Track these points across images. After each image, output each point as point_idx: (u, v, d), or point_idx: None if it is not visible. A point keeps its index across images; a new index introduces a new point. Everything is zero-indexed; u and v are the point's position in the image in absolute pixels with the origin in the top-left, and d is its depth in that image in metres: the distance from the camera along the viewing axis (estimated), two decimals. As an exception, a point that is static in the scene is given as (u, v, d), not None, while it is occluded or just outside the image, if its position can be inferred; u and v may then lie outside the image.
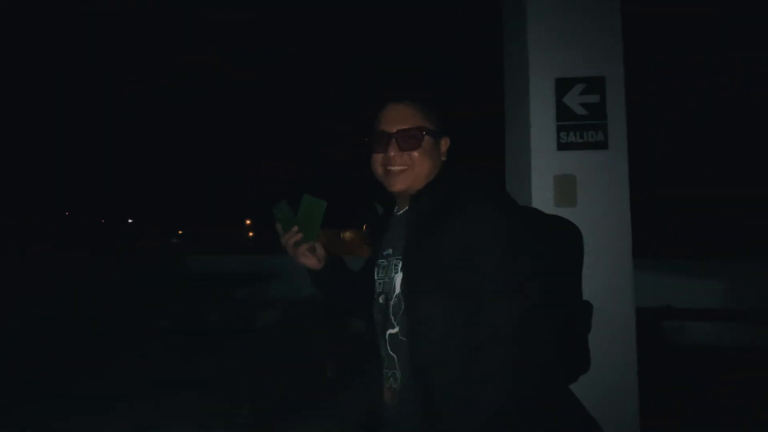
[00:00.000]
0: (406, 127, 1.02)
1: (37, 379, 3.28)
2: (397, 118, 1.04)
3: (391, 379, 1.02)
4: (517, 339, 0.83)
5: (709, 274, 5.89)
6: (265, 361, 3.37)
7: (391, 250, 1.07)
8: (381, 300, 1.05)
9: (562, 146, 1.81)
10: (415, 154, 1.02)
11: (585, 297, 1.77)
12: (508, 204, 0.98)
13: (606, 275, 1.76)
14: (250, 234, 42.39)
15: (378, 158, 1.06)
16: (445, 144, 1.10)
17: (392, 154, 1.02)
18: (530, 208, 1.25)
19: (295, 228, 1.12)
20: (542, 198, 1.81)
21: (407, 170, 1.03)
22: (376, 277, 1.09)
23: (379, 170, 1.06)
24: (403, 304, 0.97)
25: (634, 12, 2.10)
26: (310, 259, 1.14)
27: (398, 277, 1.00)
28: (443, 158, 1.09)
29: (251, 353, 3.60)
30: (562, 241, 1.10)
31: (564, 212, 1.78)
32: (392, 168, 1.03)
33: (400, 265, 1.00)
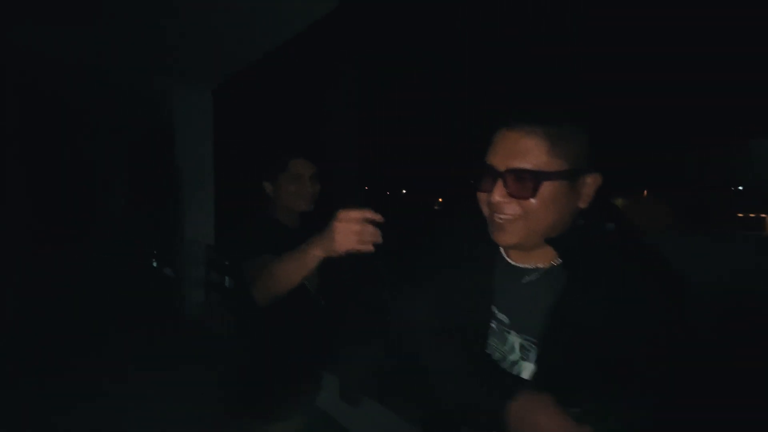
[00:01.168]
0: (517, 167, 0.73)
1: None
2: (510, 151, 0.74)
3: None
4: None
5: None
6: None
7: (506, 318, 0.85)
8: None
9: None
10: (530, 202, 0.74)
11: None
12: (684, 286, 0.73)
13: None
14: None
15: (483, 198, 0.81)
16: (592, 183, 0.77)
17: (498, 199, 0.76)
18: None
19: None
20: None
21: (517, 222, 0.76)
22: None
23: (485, 210, 0.82)
24: None
25: None
26: None
27: (527, 367, 0.81)
28: (583, 205, 0.78)
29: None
30: None
31: None
32: (499, 215, 0.77)
33: (534, 355, 0.79)
